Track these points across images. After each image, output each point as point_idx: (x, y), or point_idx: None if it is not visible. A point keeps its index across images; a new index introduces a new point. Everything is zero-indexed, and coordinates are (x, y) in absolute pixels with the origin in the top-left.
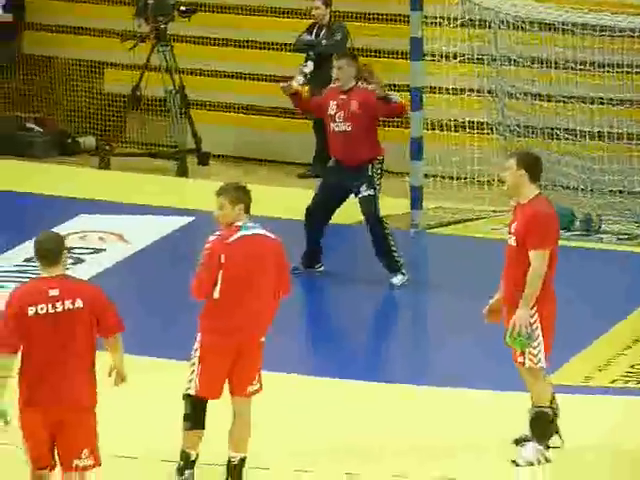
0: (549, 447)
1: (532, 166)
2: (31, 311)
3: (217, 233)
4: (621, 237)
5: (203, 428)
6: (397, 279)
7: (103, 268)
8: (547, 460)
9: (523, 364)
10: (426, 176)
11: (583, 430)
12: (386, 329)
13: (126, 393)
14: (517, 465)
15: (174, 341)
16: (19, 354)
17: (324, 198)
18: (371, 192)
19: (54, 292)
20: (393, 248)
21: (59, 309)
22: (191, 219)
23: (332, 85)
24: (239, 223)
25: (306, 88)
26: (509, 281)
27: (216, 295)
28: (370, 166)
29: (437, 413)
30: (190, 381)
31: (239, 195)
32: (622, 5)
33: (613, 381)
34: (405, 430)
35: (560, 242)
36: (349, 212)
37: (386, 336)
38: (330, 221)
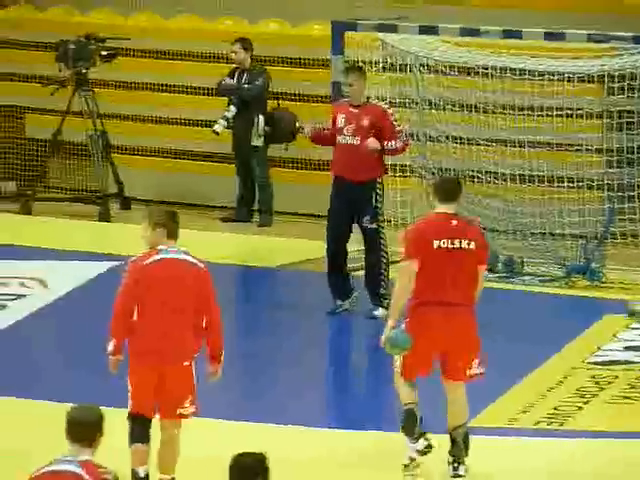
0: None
1: (436, 187)
2: None
3: (136, 256)
4: (543, 279)
5: (143, 443)
6: (379, 312)
7: (27, 313)
8: (420, 452)
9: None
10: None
11: (507, 472)
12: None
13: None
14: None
15: (100, 388)
16: None
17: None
18: (374, 225)
19: None
20: (384, 284)
21: None
22: (114, 264)
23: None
24: (161, 247)
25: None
26: None
27: (135, 317)
28: (374, 195)
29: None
30: (128, 400)
31: (160, 218)
32: (541, 49)
33: (537, 423)
34: None
35: (484, 284)
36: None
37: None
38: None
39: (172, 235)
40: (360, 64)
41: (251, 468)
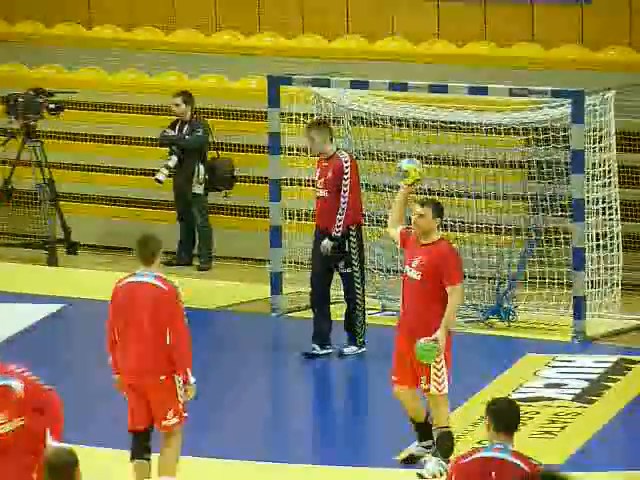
0: (448, 461)
1: (442, 212)
2: None
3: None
4: (468, 320)
5: (140, 458)
6: (348, 349)
7: None
8: (447, 471)
9: (429, 391)
10: (284, 262)
11: None
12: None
13: None
14: (422, 477)
15: None
16: None
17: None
18: (348, 270)
19: None
20: (358, 323)
21: None
22: (60, 306)
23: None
24: (137, 271)
25: None
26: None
27: (116, 336)
28: (347, 242)
29: None
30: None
31: (135, 246)
32: (468, 102)
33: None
34: None
35: None
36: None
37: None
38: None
39: (143, 261)
40: (321, 118)
41: (512, 409)
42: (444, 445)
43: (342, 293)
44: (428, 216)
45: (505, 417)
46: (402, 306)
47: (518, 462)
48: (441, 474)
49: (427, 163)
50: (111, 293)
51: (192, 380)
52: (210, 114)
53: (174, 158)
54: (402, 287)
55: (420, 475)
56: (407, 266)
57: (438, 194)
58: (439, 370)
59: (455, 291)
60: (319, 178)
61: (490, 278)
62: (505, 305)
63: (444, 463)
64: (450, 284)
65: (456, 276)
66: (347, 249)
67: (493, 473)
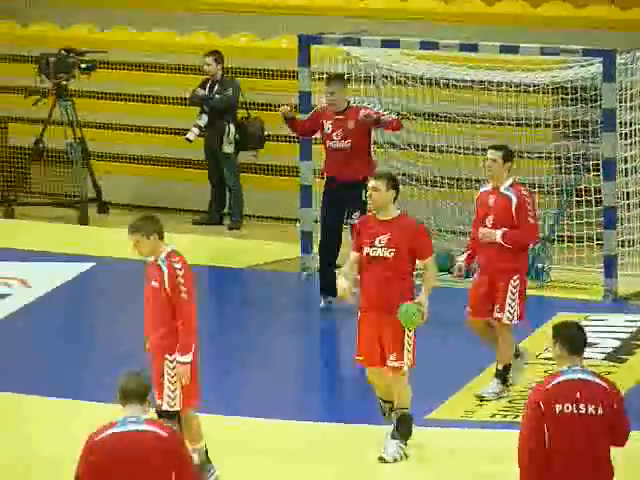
0: (407, 444)
1: (396, 185)
2: None
3: (175, 259)
4: None
5: None
6: None
7: (9, 312)
8: (406, 456)
9: (401, 368)
10: (316, 222)
11: (463, 462)
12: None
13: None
14: (385, 461)
15: (83, 381)
16: None
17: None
18: None
19: None
20: None
21: None
22: (91, 265)
23: (321, 108)
24: (167, 248)
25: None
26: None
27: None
28: (364, 191)
29: None
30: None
31: (156, 226)
32: (496, 61)
33: (493, 415)
34: None
35: (442, 284)
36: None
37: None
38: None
39: (162, 237)
40: (341, 73)
41: (582, 330)
42: (406, 428)
43: None
44: (382, 189)
45: (578, 338)
46: (366, 286)
47: (599, 381)
48: (401, 458)
49: (457, 122)
50: (186, 268)
51: None
52: (241, 73)
53: (204, 117)
54: (364, 268)
55: (382, 459)
56: (368, 247)
57: (467, 152)
58: (411, 345)
59: (431, 263)
60: (334, 130)
61: None
62: (538, 264)
63: (403, 446)
64: (425, 257)
65: (430, 249)
66: (364, 198)
67: (579, 393)
